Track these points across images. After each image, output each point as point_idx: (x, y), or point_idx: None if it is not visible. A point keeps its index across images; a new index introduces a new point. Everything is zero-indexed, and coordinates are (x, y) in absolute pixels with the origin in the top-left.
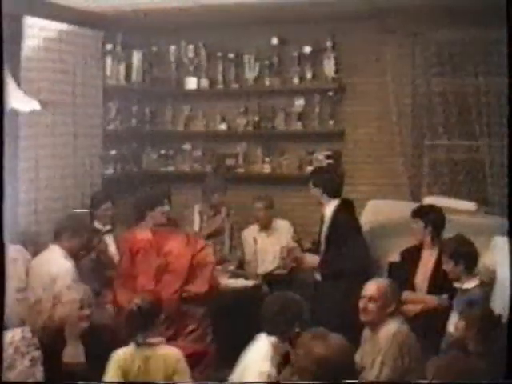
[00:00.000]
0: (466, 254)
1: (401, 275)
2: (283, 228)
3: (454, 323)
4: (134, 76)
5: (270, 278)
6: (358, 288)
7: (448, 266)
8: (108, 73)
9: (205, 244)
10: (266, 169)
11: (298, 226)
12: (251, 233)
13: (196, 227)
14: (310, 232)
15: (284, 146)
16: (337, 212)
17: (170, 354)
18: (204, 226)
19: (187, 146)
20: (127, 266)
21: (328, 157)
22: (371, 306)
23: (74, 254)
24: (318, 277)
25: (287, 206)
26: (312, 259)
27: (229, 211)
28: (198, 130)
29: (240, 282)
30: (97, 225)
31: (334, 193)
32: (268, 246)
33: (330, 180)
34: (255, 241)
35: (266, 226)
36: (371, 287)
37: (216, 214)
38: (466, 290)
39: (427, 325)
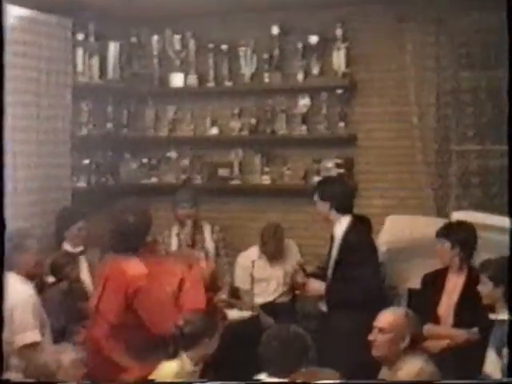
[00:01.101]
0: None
1: (422, 304)
2: (289, 250)
3: (492, 363)
4: (110, 72)
5: (269, 309)
6: (372, 320)
7: (485, 288)
8: (79, 68)
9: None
10: (266, 180)
11: (304, 248)
12: (249, 256)
13: (173, 246)
14: (318, 254)
15: (286, 153)
16: (348, 231)
17: None
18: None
19: (173, 154)
20: (122, 309)
21: (338, 165)
22: (381, 338)
23: (37, 282)
24: (324, 307)
25: (290, 223)
26: (317, 286)
27: (213, 228)
28: (185, 135)
29: (234, 314)
30: (67, 247)
31: (344, 208)
32: (270, 272)
33: (340, 193)
34: (253, 265)
35: (273, 256)
36: (383, 317)
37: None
38: (503, 322)
39: (457, 364)
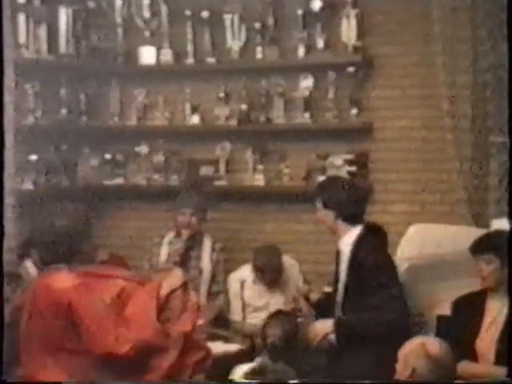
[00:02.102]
0: None
1: (454, 336)
2: (289, 269)
3: None
4: (62, 45)
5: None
6: (393, 356)
7: None
8: (21, 39)
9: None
10: (259, 181)
11: (306, 265)
12: (240, 276)
13: (163, 257)
14: (323, 273)
15: (285, 147)
16: (357, 245)
17: None
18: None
19: (143, 149)
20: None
21: (348, 162)
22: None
23: None
24: (333, 339)
25: (289, 235)
26: (325, 327)
27: (213, 245)
28: (159, 125)
29: (219, 347)
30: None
31: (353, 217)
32: (268, 299)
33: (348, 197)
34: (242, 287)
35: (271, 281)
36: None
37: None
38: None
39: None
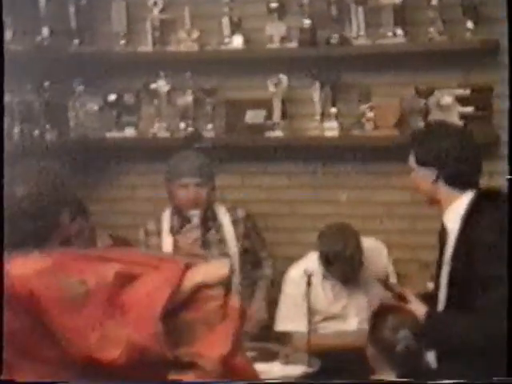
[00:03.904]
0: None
1: None
2: (375, 257)
3: None
4: None
5: (337, 359)
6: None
7: None
8: None
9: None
10: (330, 130)
11: (397, 251)
12: (304, 269)
13: (167, 247)
14: (422, 262)
15: (367, 80)
16: (470, 219)
17: None
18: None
19: (162, 85)
20: None
21: (463, 100)
22: None
23: None
24: (432, 358)
25: (373, 207)
26: (420, 309)
27: (233, 216)
28: (184, 51)
29: (275, 369)
30: None
31: (463, 179)
32: (346, 301)
33: (458, 151)
34: (309, 283)
35: (348, 277)
36: None
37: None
38: None
39: None
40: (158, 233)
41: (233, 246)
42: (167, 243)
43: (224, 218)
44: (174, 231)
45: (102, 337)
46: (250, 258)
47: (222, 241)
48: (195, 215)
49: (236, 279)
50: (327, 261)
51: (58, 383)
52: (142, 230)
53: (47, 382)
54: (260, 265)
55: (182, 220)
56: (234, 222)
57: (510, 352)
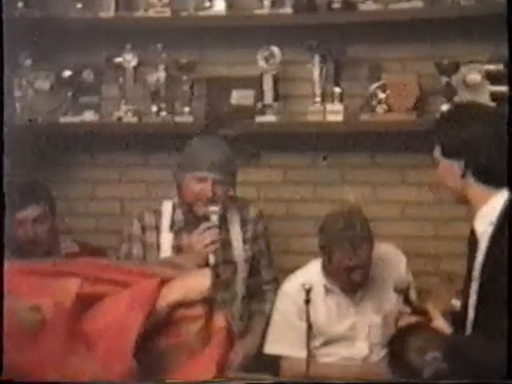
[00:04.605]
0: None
1: None
2: (390, 265)
3: None
4: None
5: None
6: None
7: None
8: None
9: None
10: (334, 113)
11: (418, 261)
12: (302, 282)
13: (166, 252)
14: (448, 274)
15: (378, 53)
16: (504, 222)
17: None
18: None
19: (128, 59)
20: None
21: (494, 77)
22: None
23: None
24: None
25: (387, 207)
26: (444, 327)
27: (244, 212)
28: (155, 17)
29: None
30: None
31: (496, 174)
32: (354, 319)
33: (490, 139)
34: (307, 299)
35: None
36: None
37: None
38: None
39: None
40: (157, 227)
41: (238, 249)
42: (166, 241)
43: (234, 217)
44: (176, 228)
45: (63, 377)
46: (254, 267)
47: (227, 243)
48: (215, 212)
49: (239, 288)
50: (329, 256)
51: (58, 383)
52: (136, 224)
53: (47, 381)
54: (260, 274)
55: (192, 217)
56: (242, 221)
57: (510, 352)
